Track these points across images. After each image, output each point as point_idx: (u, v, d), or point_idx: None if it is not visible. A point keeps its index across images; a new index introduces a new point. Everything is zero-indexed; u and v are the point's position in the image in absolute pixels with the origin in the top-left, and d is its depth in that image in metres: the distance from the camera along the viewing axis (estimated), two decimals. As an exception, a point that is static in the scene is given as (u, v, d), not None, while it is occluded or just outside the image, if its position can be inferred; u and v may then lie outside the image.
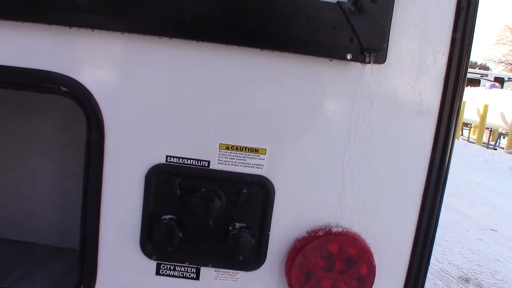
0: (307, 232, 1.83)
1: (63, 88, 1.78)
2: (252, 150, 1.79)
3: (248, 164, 1.80)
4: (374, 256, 1.84)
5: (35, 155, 2.54)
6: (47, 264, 2.46)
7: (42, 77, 1.78)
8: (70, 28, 1.72)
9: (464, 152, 22.11)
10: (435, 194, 1.87)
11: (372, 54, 1.72)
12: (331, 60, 1.74)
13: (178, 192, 1.79)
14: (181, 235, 1.79)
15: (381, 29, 1.71)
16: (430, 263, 1.95)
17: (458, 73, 1.82)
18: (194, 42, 1.72)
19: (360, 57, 1.72)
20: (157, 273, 1.87)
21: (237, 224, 1.81)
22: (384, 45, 1.73)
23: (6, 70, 1.77)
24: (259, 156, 1.80)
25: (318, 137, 1.80)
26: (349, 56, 1.71)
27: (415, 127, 1.83)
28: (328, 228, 1.82)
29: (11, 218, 2.51)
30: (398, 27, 1.75)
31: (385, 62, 1.76)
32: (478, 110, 25.72)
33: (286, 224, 1.84)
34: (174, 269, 1.87)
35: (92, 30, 1.72)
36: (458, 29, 1.80)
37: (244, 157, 1.80)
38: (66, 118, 2.49)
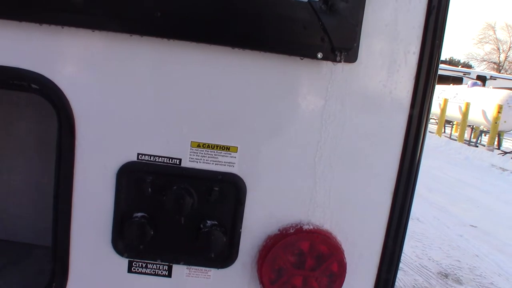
0: (279, 230, 1.85)
1: (33, 86, 1.76)
2: (223, 148, 1.79)
3: (220, 162, 1.80)
4: (345, 253, 1.86)
5: (8, 152, 2.52)
6: (21, 262, 2.44)
7: (12, 75, 1.76)
8: (41, 25, 1.70)
9: (446, 149, 22.39)
10: (406, 191, 1.89)
11: (343, 53, 1.74)
12: (302, 59, 1.75)
13: (150, 190, 1.79)
14: (152, 232, 1.79)
15: (352, 28, 1.72)
16: (400, 260, 1.97)
17: (428, 72, 1.84)
18: (165, 40, 1.71)
19: (331, 56, 1.73)
20: (129, 270, 1.87)
21: (208, 221, 1.81)
22: (355, 44, 1.75)
23: None
24: (230, 154, 1.80)
25: (290, 135, 1.81)
26: (319, 55, 1.72)
27: (386, 125, 1.85)
28: (299, 226, 1.83)
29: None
30: (369, 26, 1.77)
31: (356, 61, 1.78)
32: (460, 108, 26.06)
33: (257, 221, 1.85)
34: (146, 267, 1.87)
35: (62, 27, 1.71)
36: (428, 29, 1.82)
37: (215, 155, 1.80)
38: (40, 115, 2.47)
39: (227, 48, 1.74)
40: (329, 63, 1.77)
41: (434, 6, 1.80)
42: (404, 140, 1.86)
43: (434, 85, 1.89)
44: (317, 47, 1.72)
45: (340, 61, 1.75)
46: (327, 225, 1.87)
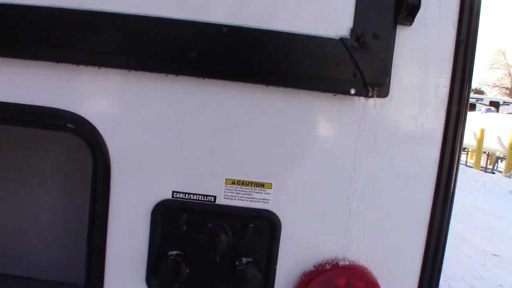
0: (314, 266, 1.83)
1: (69, 125, 1.80)
2: (258, 184, 1.80)
3: (254, 198, 1.80)
4: (381, 288, 1.84)
5: (35, 189, 2.54)
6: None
7: (49, 114, 1.79)
8: (78, 66, 1.75)
9: (462, 177, 22.07)
10: (441, 223, 1.88)
11: (375, 88, 1.75)
12: (335, 95, 1.76)
13: (185, 227, 1.79)
14: (187, 271, 1.78)
15: (383, 64, 1.75)
16: (438, 294, 1.94)
17: (459, 105, 1.85)
18: (200, 79, 1.74)
19: (364, 91, 1.75)
20: None
21: (243, 259, 1.80)
22: (387, 80, 1.76)
23: (13, 107, 1.79)
24: (265, 190, 1.80)
25: (324, 171, 1.81)
26: (352, 91, 1.74)
27: (420, 158, 1.85)
28: (335, 262, 1.82)
29: (11, 253, 2.49)
30: (399, 61, 1.79)
31: (388, 96, 1.79)
32: (475, 134, 25.84)
33: (292, 258, 1.83)
34: (181, 305, 1.86)
35: (99, 68, 1.75)
36: (458, 62, 1.83)
37: (250, 191, 1.80)
38: (67, 151, 2.51)
39: (262, 86, 1.76)
40: (362, 98, 1.78)
41: (462, 40, 1.82)
42: (437, 173, 1.85)
43: (466, 117, 1.90)
44: (350, 83, 1.74)
45: (372, 96, 1.76)
46: (363, 261, 1.85)
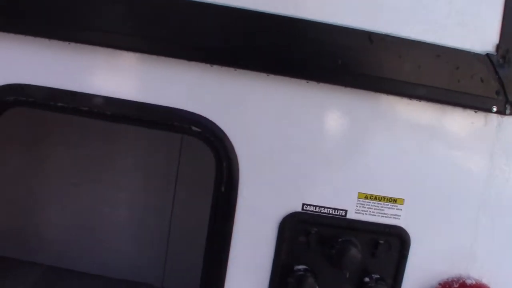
0: (439, 284, 1.79)
1: (194, 128, 1.67)
2: (390, 200, 1.74)
3: (386, 214, 1.74)
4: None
5: (112, 186, 2.38)
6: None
7: (173, 115, 1.67)
8: (212, 66, 1.62)
9: None
10: None
11: None
12: (475, 112, 1.71)
13: (314, 242, 1.71)
14: (316, 287, 1.71)
15: None
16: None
17: None
18: (342, 88, 1.65)
19: (504, 109, 1.71)
20: None
21: (373, 275, 1.74)
22: None
23: (135, 106, 1.65)
24: (396, 206, 1.74)
25: (455, 188, 1.77)
26: (494, 109, 1.69)
27: None
28: (461, 280, 1.79)
29: (86, 251, 2.35)
30: None
31: None
32: None
33: (418, 275, 1.79)
34: (306, 322, 1.78)
35: (235, 70, 1.63)
36: None
37: (382, 206, 1.74)
38: (146, 147, 2.36)
39: (405, 100, 1.68)
40: (498, 115, 1.74)
41: None
42: None
43: None
44: (492, 100, 1.69)
45: (510, 114, 1.72)
46: (485, 279, 1.83)
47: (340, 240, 1.71)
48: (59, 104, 1.67)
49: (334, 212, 1.73)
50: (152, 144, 2.22)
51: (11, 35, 1.62)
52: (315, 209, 1.72)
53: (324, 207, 1.72)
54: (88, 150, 2.32)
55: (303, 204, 1.71)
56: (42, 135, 2.30)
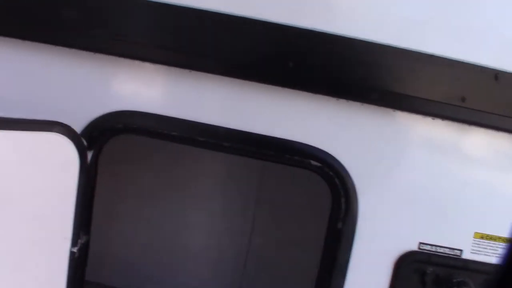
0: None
1: (314, 163, 1.62)
2: (506, 240, 1.71)
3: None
4: None
5: (189, 210, 2.31)
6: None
7: (291, 149, 1.62)
8: (337, 100, 1.58)
9: None
10: None
11: None
12: None
13: (430, 281, 1.68)
14: (433, 327, 1.68)
15: None
16: None
17: None
18: (466, 126, 1.62)
19: None
20: None
21: (487, 317, 1.72)
22: None
23: (255, 139, 1.60)
24: (511, 246, 1.72)
25: None
26: None
27: None
28: None
29: (162, 273, 2.27)
30: None
31: None
32: None
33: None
34: None
35: (362, 104, 1.59)
36: None
37: (497, 247, 1.71)
38: (227, 171, 2.29)
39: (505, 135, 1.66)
40: None
41: None
42: None
43: None
44: None
45: None
46: None
47: (455, 280, 1.68)
48: (173, 133, 1.61)
49: (449, 251, 1.69)
50: (230, 167, 2.16)
51: (121, 60, 1.57)
52: (431, 248, 1.68)
53: (440, 246, 1.69)
54: (170, 174, 2.24)
55: (420, 243, 1.68)
56: (130, 159, 2.22)
